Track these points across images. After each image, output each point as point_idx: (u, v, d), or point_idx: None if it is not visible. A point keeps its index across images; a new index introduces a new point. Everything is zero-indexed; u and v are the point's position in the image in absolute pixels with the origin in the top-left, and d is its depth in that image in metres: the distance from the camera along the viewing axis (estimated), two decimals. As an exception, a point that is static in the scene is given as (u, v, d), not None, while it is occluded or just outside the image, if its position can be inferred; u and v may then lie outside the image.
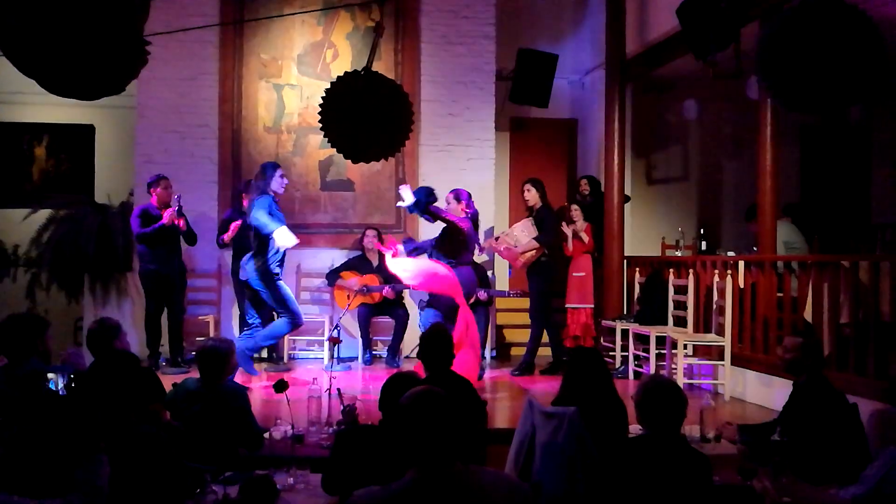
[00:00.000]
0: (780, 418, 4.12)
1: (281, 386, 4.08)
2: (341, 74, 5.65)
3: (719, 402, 5.83)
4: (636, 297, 7.73)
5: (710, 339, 6.48)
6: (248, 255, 6.59)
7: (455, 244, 6.22)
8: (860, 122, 8.99)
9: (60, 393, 3.62)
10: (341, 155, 5.68)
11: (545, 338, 7.34)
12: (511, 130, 9.62)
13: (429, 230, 7.39)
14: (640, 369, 7.04)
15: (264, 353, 7.79)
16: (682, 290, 6.86)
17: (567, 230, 7.60)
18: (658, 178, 9.55)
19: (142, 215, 7.04)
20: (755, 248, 6.60)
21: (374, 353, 7.91)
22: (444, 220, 6.22)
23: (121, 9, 3.63)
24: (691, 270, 6.89)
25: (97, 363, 3.81)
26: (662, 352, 6.71)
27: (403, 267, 6.21)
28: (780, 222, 6.62)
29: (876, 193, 8.95)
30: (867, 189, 9.03)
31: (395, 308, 7.71)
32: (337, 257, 8.21)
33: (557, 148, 9.92)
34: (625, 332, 7.21)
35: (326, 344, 7.44)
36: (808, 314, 5.70)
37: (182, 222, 7.07)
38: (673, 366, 6.43)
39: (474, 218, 6.58)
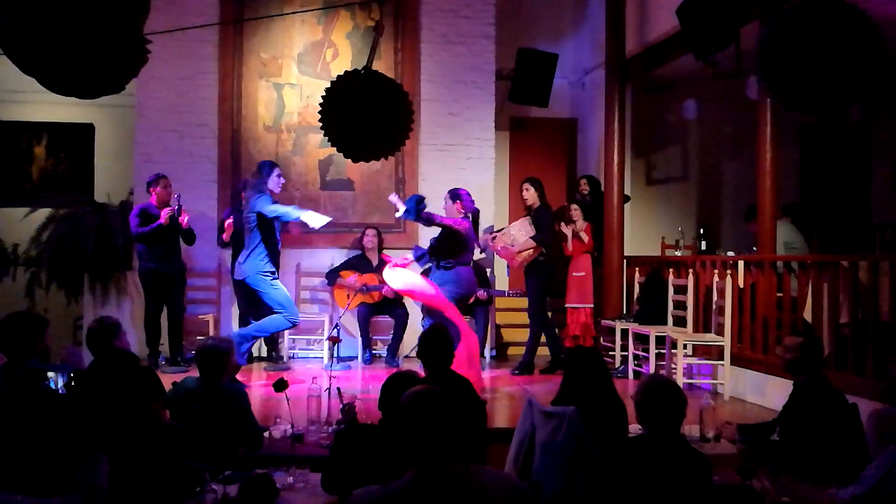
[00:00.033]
0: (780, 418, 4.13)
1: (280, 385, 4.09)
2: (342, 73, 5.66)
3: (719, 402, 5.83)
4: (636, 296, 7.73)
5: (710, 338, 6.48)
6: (244, 253, 6.58)
7: (453, 244, 6.21)
8: (860, 122, 8.99)
9: (60, 392, 3.62)
10: (341, 154, 5.68)
11: (544, 337, 7.34)
12: (511, 130, 9.62)
13: (431, 230, 7.37)
14: (640, 369, 7.04)
15: (264, 353, 7.81)
16: (681, 289, 6.86)
17: (567, 230, 7.59)
18: (658, 177, 9.55)
19: (140, 214, 7.04)
20: (755, 248, 6.60)
21: (373, 352, 7.91)
22: (438, 224, 6.21)
23: (121, 7, 3.63)
24: (691, 270, 6.89)
25: (97, 362, 3.81)
26: (662, 351, 6.71)
27: (398, 278, 6.23)
28: (780, 222, 6.62)
29: (875, 193, 8.95)
30: (867, 189, 9.03)
31: (394, 307, 7.71)
32: (336, 257, 8.21)
33: (557, 147, 9.92)
34: (624, 332, 7.21)
35: (326, 343, 7.44)
36: (807, 314, 5.70)
37: (185, 219, 7.06)
38: (672, 365, 6.43)
39: (475, 216, 6.54)
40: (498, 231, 7.56)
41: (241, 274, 6.57)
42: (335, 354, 7.15)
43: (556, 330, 7.44)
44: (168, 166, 7.79)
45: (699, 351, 6.81)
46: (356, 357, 7.86)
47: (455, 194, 6.42)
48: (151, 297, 7.19)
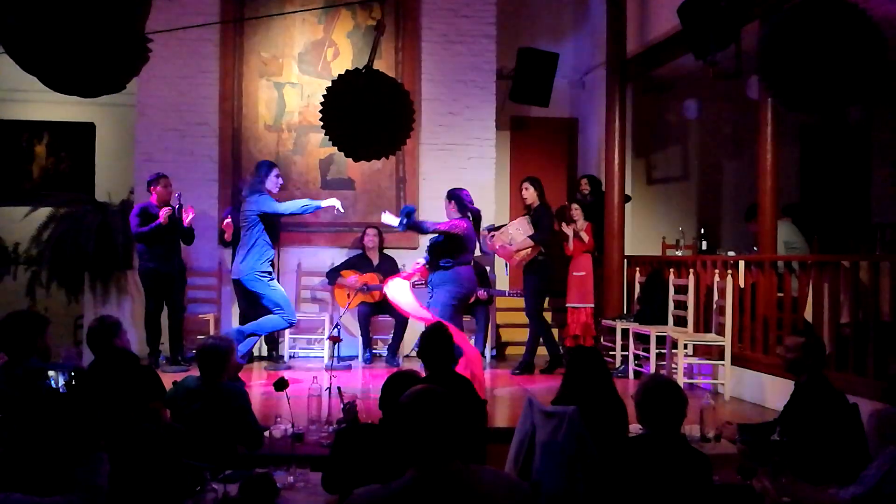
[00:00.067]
0: (781, 418, 4.12)
1: (281, 384, 4.08)
2: (342, 72, 5.66)
3: (719, 402, 5.83)
4: (636, 296, 7.73)
5: (711, 338, 6.48)
6: (241, 253, 6.56)
7: (451, 245, 6.18)
8: (860, 122, 8.98)
9: (60, 391, 3.62)
10: (342, 154, 5.68)
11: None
12: (511, 129, 9.62)
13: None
14: (641, 369, 7.04)
15: (264, 352, 7.81)
16: (682, 289, 6.86)
17: (568, 230, 7.59)
18: (658, 177, 9.55)
19: (140, 213, 7.04)
20: (755, 248, 6.60)
21: (374, 351, 7.91)
22: (433, 231, 6.20)
23: (122, 6, 3.63)
24: (691, 270, 6.89)
25: (97, 361, 3.81)
26: (662, 351, 6.71)
27: (395, 292, 6.23)
28: (781, 222, 6.62)
29: (876, 193, 8.95)
30: (867, 189, 9.03)
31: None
32: (337, 256, 8.20)
33: (558, 147, 9.92)
34: (625, 332, 7.21)
35: (326, 343, 7.43)
36: (808, 314, 5.70)
37: (188, 218, 7.06)
38: (673, 365, 6.43)
39: (476, 217, 6.49)
40: (496, 230, 7.54)
41: (238, 273, 6.56)
42: (336, 354, 7.15)
43: (557, 329, 7.44)
44: (169, 165, 7.78)
45: (700, 351, 6.81)
46: (357, 356, 7.86)
47: (451, 195, 6.37)
48: (151, 297, 7.19)
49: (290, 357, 7.80)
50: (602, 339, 7.76)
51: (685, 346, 6.50)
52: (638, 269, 7.88)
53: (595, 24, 8.96)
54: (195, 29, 7.47)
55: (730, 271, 6.46)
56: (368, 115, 5.43)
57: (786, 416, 4.07)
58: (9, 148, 9.54)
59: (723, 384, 6.28)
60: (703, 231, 8.34)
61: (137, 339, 7.18)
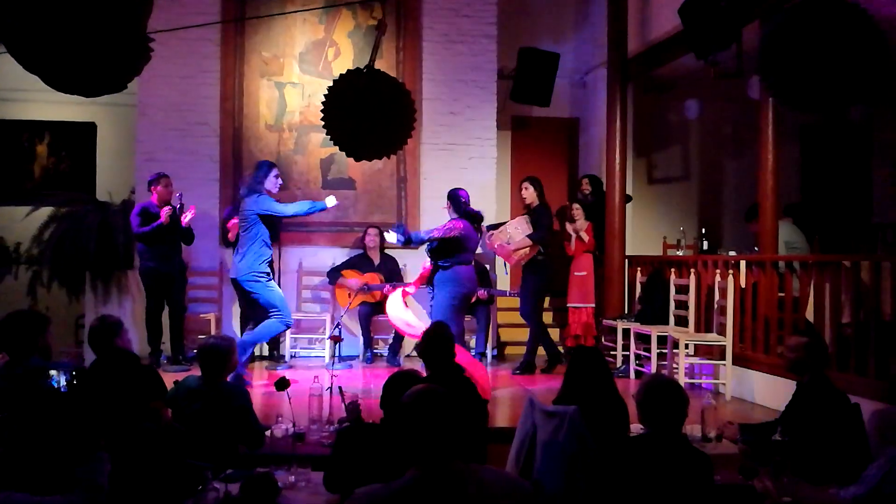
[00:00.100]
0: (782, 418, 4.12)
1: (282, 384, 4.09)
2: (344, 72, 5.66)
3: (720, 402, 5.83)
4: (637, 296, 7.73)
5: (712, 338, 6.48)
6: (240, 252, 6.54)
7: (449, 245, 6.17)
8: (861, 122, 8.98)
9: (61, 390, 3.62)
10: (343, 153, 5.69)
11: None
12: (512, 129, 9.62)
13: (429, 227, 7.34)
14: (642, 369, 7.03)
15: (266, 352, 7.81)
16: (683, 289, 6.86)
17: (571, 229, 7.59)
18: (659, 177, 9.55)
19: (141, 213, 7.05)
20: (756, 248, 6.59)
21: (375, 351, 7.91)
22: (429, 240, 6.20)
23: (124, 5, 3.63)
24: (692, 270, 6.89)
25: (98, 361, 3.81)
26: (664, 351, 6.71)
27: (394, 308, 6.33)
28: (781, 222, 6.62)
29: (877, 193, 8.94)
30: (868, 189, 9.03)
31: (395, 307, 7.70)
32: (338, 256, 8.21)
33: (559, 147, 9.92)
34: (626, 332, 7.21)
35: (328, 342, 7.43)
36: (809, 314, 5.70)
37: (186, 218, 7.05)
38: (674, 365, 6.43)
39: (474, 218, 6.46)
40: (494, 228, 7.53)
41: (236, 273, 6.54)
42: (337, 353, 7.14)
43: (558, 329, 7.43)
44: (170, 165, 7.78)
45: (701, 351, 6.81)
46: (358, 356, 7.86)
47: (448, 195, 6.39)
48: (152, 296, 7.19)
49: (291, 357, 7.80)
50: (603, 339, 7.76)
51: (686, 346, 6.50)
52: (639, 268, 7.88)
53: (596, 24, 8.96)
54: (196, 28, 7.47)
55: (731, 271, 6.46)
56: (369, 115, 5.43)
57: (787, 416, 4.07)
58: (10, 147, 9.55)
59: (724, 384, 6.27)
60: (703, 231, 8.34)
61: (138, 338, 7.18)
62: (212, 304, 8.04)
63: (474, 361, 5.85)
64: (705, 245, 8.09)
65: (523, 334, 7.52)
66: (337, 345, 7.00)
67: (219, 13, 8.11)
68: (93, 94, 3.90)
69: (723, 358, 6.29)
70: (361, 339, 7.81)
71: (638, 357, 7.11)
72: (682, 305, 6.87)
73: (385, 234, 6.62)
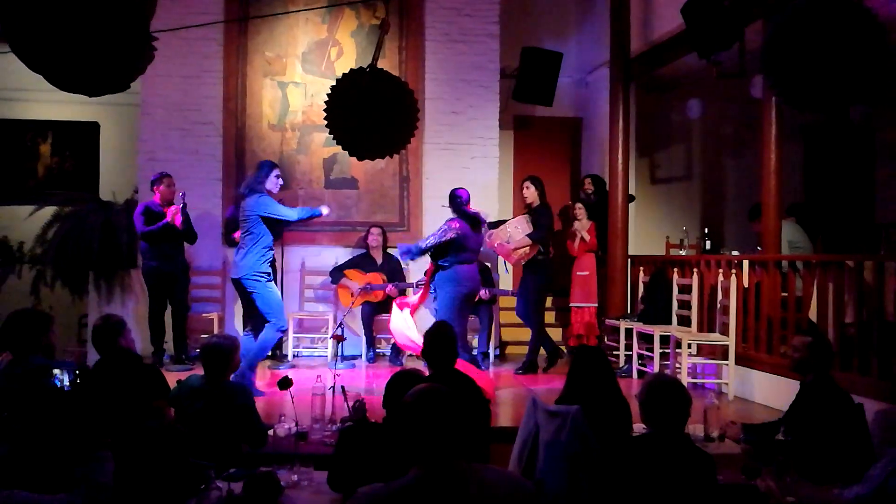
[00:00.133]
0: (785, 417, 4.12)
1: (285, 383, 4.09)
2: (347, 71, 5.66)
3: (723, 402, 5.83)
4: (640, 296, 7.73)
5: (715, 338, 6.47)
6: (241, 252, 6.52)
7: (448, 246, 6.16)
8: (864, 122, 8.97)
9: (65, 389, 3.62)
10: (345, 153, 5.69)
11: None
12: (515, 129, 9.62)
13: (431, 226, 7.35)
14: (644, 368, 7.03)
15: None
16: (686, 289, 6.85)
17: (577, 228, 7.59)
18: (662, 177, 9.55)
19: (145, 212, 7.06)
20: (759, 248, 6.59)
21: (377, 350, 7.91)
22: (427, 249, 6.19)
23: (128, 5, 3.64)
24: (695, 270, 6.88)
25: (102, 360, 3.82)
26: (666, 351, 6.70)
27: (397, 322, 6.33)
28: (784, 222, 6.60)
29: (880, 193, 8.93)
30: (871, 188, 9.01)
31: (398, 306, 7.70)
32: (340, 255, 8.21)
33: (561, 146, 9.92)
34: (629, 332, 7.21)
35: (330, 342, 7.44)
36: (812, 314, 5.69)
37: (179, 220, 7.05)
38: (677, 365, 6.42)
39: (473, 219, 6.42)
40: (494, 227, 7.51)
41: (237, 272, 6.52)
42: (339, 353, 7.15)
43: (560, 329, 7.43)
44: (173, 164, 7.80)
45: (704, 350, 6.80)
46: (360, 355, 7.86)
47: (449, 195, 6.39)
48: (155, 296, 7.20)
49: (294, 356, 7.81)
50: (606, 339, 7.76)
51: (689, 346, 6.49)
52: (641, 268, 7.87)
53: (599, 24, 8.95)
54: (199, 28, 7.48)
55: (734, 271, 6.45)
56: (372, 114, 5.44)
57: (791, 416, 4.06)
58: (13, 147, 9.56)
59: (727, 384, 6.27)
60: (706, 230, 8.33)
61: (141, 337, 7.19)
62: (215, 303, 8.05)
63: (476, 370, 5.82)
64: (708, 245, 8.08)
65: (525, 334, 7.52)
66: (339, 344, 6.99)
67: (222, 13, 8.12)
68: (96, 93, 3.91)
69: (726, 358, 6.28)
70: (364, 338, 7.82)
71: (641, 357, 7.11)
72: (684, 305, 6.87)
73: (401, 259, 6.85)
